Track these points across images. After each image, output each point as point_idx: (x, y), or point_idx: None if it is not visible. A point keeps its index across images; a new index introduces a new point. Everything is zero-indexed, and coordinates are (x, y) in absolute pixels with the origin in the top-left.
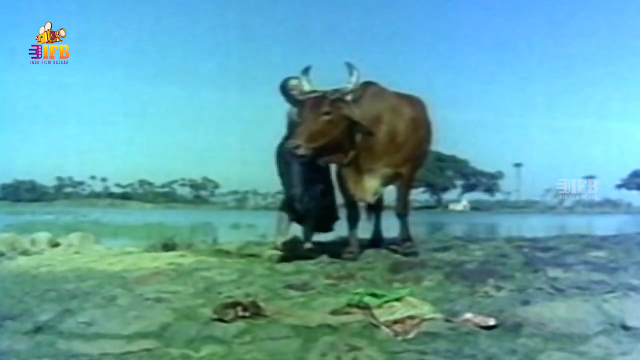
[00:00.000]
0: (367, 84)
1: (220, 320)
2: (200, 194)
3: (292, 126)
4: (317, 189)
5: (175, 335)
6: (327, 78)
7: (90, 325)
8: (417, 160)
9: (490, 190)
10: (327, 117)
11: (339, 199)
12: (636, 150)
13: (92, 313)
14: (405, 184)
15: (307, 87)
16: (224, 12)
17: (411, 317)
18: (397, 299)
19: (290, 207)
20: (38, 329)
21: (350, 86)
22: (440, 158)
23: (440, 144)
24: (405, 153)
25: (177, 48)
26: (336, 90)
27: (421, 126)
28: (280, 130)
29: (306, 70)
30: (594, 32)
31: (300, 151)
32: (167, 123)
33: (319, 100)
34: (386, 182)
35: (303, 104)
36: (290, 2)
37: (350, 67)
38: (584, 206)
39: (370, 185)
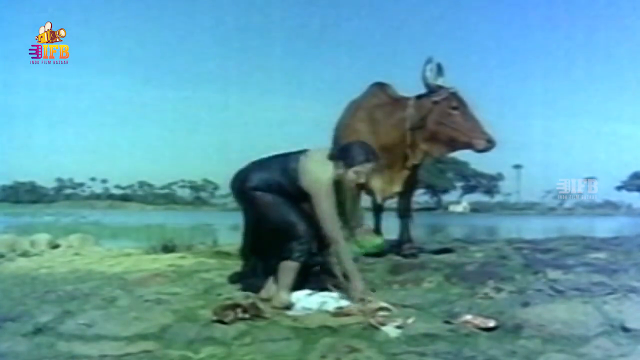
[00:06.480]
0: (380, 85)
1: (220, 321)
2: (200, 195)
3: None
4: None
5: (175, 337)
6: (329, 76)
7: (90, 326)
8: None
9: (490, 191)
10: None
11: None
12: (636, 152)
13: (91, 314)
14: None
15: (432, 79)
16: (225, 13)
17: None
18: None
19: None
20: (38, 331)
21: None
22: (441, 160)
23: None
24: None
25: (177, 50)
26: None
27: None
28: (280, 131)
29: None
30: (594, 32)
31: None
32: (167, 125)
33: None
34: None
35: (454, 100)
36: (291, 2)
37: (439, 67)
38: (584, 208)
39: (377, 186)
